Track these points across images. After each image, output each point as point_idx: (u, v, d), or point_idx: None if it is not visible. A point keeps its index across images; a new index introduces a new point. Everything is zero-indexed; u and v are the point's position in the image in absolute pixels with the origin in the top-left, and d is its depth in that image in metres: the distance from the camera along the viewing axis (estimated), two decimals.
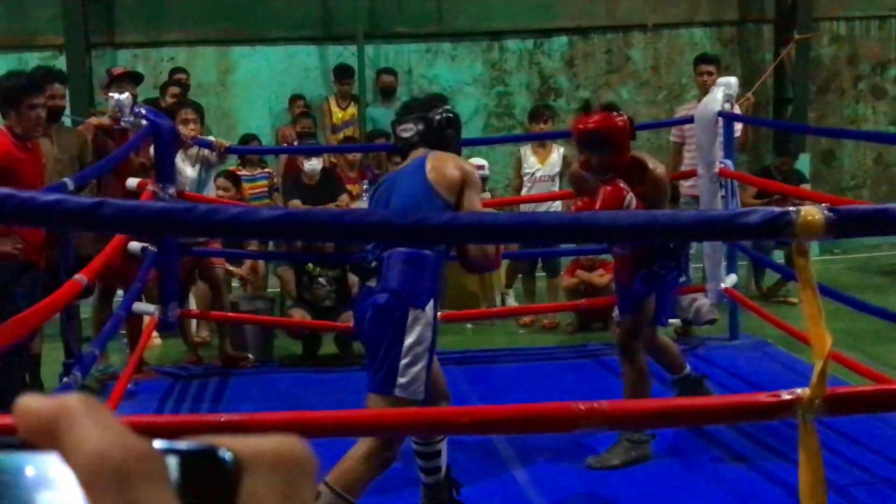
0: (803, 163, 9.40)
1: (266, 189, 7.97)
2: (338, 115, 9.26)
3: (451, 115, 3.72)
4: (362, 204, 6.88)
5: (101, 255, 4.28)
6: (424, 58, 10.29)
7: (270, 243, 7.32)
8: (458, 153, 3.76)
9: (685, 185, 6.82)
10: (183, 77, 8.33)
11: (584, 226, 2.47)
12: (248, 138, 8.44)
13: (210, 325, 6.89)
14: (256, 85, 10.08)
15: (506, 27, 10.28)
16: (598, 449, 4.36)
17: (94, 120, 6.18)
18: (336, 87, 9.37)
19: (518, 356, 6.49)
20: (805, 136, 10.07)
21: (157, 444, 0.36)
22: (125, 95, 5.55)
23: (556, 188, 7.34)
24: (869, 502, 3.87)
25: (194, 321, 6.71)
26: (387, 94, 9.34)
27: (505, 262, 7.56)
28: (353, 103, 9.36)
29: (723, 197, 5.92)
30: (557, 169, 7.39)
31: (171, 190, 5.55)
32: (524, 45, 10.41)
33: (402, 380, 3.33)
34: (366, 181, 7.57)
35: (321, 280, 6.50)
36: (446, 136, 3.66)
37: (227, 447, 0.37)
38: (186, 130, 5.98)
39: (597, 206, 3.98)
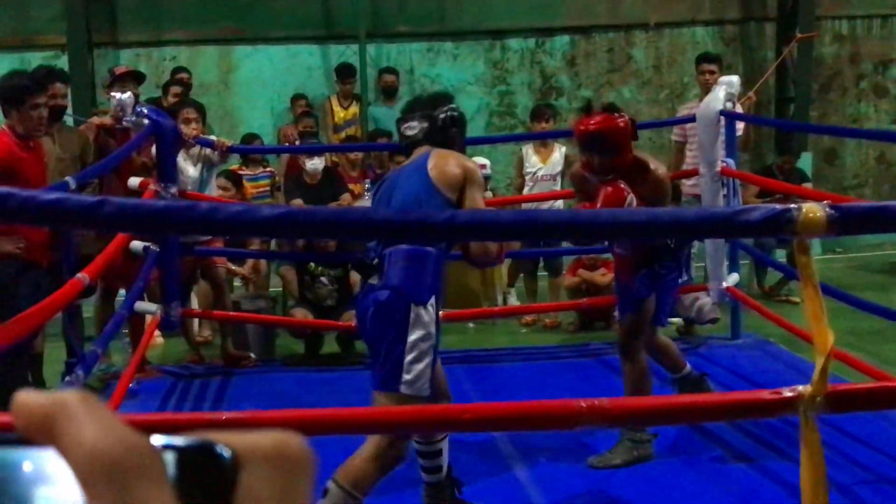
0: (805, 162, 9.40)
1: (268, 188, 7.98)
2: (340, 114, 9.26)
3: (455, 113, 3.70)
4: (364, 203, 6.88)
5: (103, 255, 4.28)
6: (426, 57, 10.29)
7: (273, 242, 7.32)
8: (463, 151, 3.74)
9: (687, 185, 6.82)
10: (185, 76, 8.33)
11: (585, 223, 2.47)
12: (249, 138, 8.44)
13: (212, 324, 6.90)
14: (258, 84, 10.08)
15: (507, 26, 10.28)
16: (600, 448, 4.36)
17: (95, 119, 6.18)
18: (338, 86, 9.37)
19: (520, 355, 6.49)
20: (807, 134, 10.06)
21: (155, 439, 0.36)
22: (127, 95, 5.55)
23: (557, 187, 7.34)
24: (871, 501, 3.87)
25: (196, 320, 6.71)
26: (389, 93, 9.33)
27: (507, 262, 7.57)
28: (354, 102, 9.36)
29: (725, 196, 5.92)
30: (559, 168, 7.40)
31: (173, 189, 5.55)
32: (526, 45, 10.41)
33: (407, 376, 3.32)
34: (368, 180, 7.57)
35: (323, 279, 6.50)
36: (450, 134, 3.65)
37: (225, 443, 0.37)
38: (188, 130, 5.99)
39: (597, 207, 3.98)
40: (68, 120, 6.36)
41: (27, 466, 0.35)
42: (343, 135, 9.14)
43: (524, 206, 7.23)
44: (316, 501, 3.27)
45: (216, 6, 9.93)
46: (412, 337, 3.33)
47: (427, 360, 3.35)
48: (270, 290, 7.52)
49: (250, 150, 7.98)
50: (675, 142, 7.27)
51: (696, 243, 6.09)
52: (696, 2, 10.43)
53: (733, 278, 6.18)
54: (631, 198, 3.99)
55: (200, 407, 5.42)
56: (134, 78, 6.64)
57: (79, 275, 3.81)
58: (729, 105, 5.97)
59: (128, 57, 9.74)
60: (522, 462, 4.33)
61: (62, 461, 0.35)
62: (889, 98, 10.87)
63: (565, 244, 7.09)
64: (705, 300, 5.95)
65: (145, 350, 5.62)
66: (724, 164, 5.93)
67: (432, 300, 3.38)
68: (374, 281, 3.43)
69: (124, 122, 5.50)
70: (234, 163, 7.82)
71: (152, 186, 5.50)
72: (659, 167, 4.22)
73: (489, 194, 7.10)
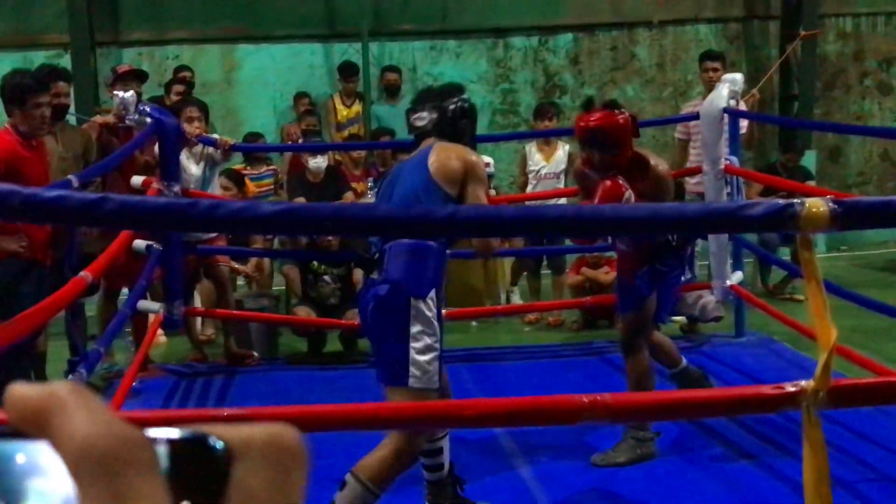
0: (809, 159, 9.38)
1: (271, 187, 7.98)
2: (342, 112, 9.26)
3: (466, 104, 3.63)
4: (367, 202, 6.88)
5: (106, 253, 4.29)
6: (429, 55, 10.28)
7: (276, 241, 7.33)
8: (474, 143, 3.66)
9: (691, 182, 6.81)
10: (188, 75, 8.33)
11: (588, 219, 2.47)
12: (252, 136, 8.44)
13: (215, 322, 6.90)
14: (261, 83, 10.08)
15: (511, 24, 10.27)
16: (603, 446, 4.35)
17: (98, 118, 6.19)
18: (341, 84, 9.36)
19: (523, 354, 6.49)
20: (811, 132, 10.05)
21: (147, 432, 0.36)
22: (130, 93, 5.55)
23: (561, 185, 7.34)
24: (874, 497, 3.86)
25: (199, 319, 6.72)
26: (391, 91, 9.33)
27: (510, 260, 7.57)
28: (357, 101, 9.36)
29: (728, 194, 5.92)
30: (563, 166, 7.39)
31: (176, 188, 5.55)
32: (529, 43, 10.40)
33: (414, 370, 3.31)
34: (370, 179, 7.57)
35: (326, 278, 6.51)
36: (460, 126, 3.58)
37: (218, 435, 0.37)
38: (191, 128, 5.99)
39: (595, 203, 3.97)
40: (71, 119, 6.37)
41: (20, 459, 0.35)
42: (346, 133, 9.14)
43: (528, 204, 7.23)
44: (334, 494, 3.28)
45: (219, 5, 9.94)
46: (414, 330, 3.31)
47: (432, 354, 3.34)
48: (273, 288, 7.53)
49: (253, 148, 7.98)
50: (678, 139, 7.26)
51: (699, 241, 6.08)
52: None
53: (737, 276, 6.17)
54: (629, 194, 3.97)
55: (203, 405, 5.42)
56: (137, 76, 6.64)
57: (81, 273, 3.81)
58: (732, 103, 5.96)
59: (130, 56, 9.74)
60: (525, 460, 4.33)
61: (55, 453, 0.35)
62: (893, 95, 10.85)
63: (568, 242, 7.08)
64: (709, 298, 5.95)
65: (148, 349, 5.62)
66: (728, 162, 5.93)
67: (432, 294, 3.36)
68: (375, 276, 3.43)
69: (127, 121, 5.51)
70: (237, 162, 7.82)
71: (155, 185, 5.51)
72: (660, 163, 4.20)
73: (493, 192, 7.10)
